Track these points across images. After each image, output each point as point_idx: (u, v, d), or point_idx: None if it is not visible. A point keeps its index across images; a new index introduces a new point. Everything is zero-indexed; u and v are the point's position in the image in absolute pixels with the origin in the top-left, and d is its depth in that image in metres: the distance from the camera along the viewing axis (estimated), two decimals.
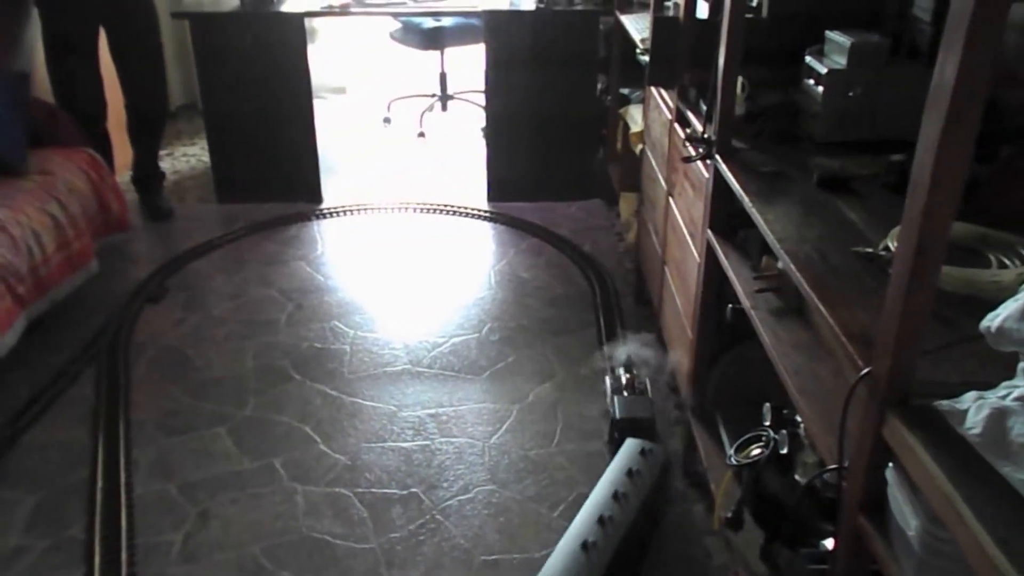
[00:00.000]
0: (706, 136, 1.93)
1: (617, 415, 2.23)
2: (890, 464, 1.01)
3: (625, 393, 2.32)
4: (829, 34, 1.82)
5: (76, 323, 2.88)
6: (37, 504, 2.13)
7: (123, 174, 3.77)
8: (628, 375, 2.37)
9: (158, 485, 2.19)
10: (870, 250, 1.34)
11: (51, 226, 2.78)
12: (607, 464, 2.04)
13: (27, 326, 2.61)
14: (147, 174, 3.76)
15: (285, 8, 3.65)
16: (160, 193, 3.80)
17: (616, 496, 1.90)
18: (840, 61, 1.76)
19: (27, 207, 2.71)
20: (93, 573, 1.90)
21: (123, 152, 3.73)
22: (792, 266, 1.36)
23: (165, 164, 4.09)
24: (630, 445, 2.08)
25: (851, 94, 1.75)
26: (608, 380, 2.41)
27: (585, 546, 1.77)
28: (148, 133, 3.71)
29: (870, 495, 1.04)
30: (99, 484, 2.16)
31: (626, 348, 2.57)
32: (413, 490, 2.17)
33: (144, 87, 3.58)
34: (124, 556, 1.94)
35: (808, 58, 1.87)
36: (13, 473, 2.23)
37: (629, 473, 1.97)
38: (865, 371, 1.03)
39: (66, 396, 2.54)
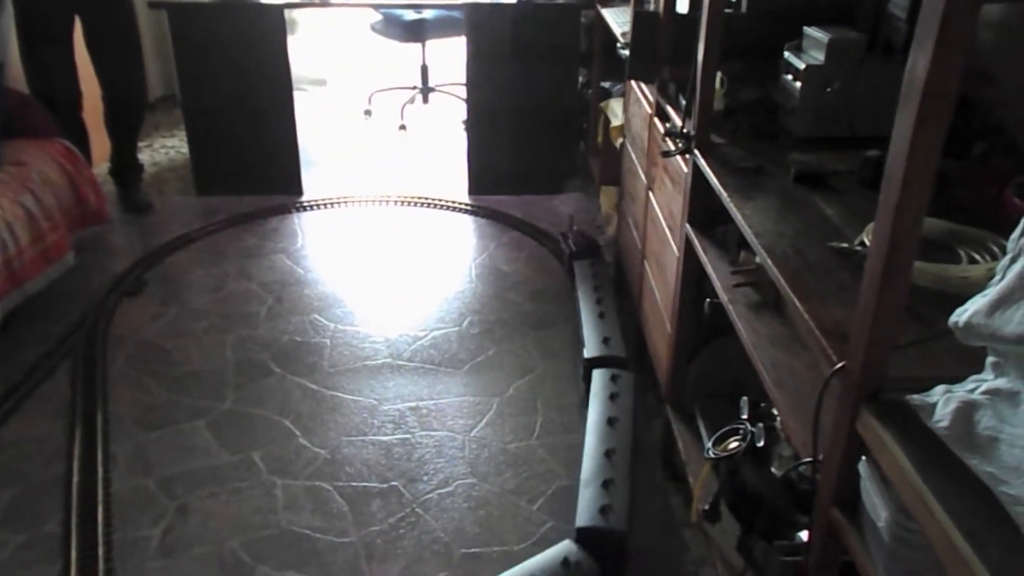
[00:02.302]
0: (685, 131, 1.94)
1: (574, 249, 2.97)
2: (863, 458, 1.03)
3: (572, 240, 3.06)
4: (807, 30, 1.84)
5: (52, 317, 2.85)
6: (12, 500, 2.10)
7: (101, 166, 3.73)
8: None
9: (136, 480, 2.18)
10: (845, 245, 1.36)
11: (24, 218, 2.74)
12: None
13: (1, 320, 2.58)
14: (125, 166, 3.72)
15: None
16: (138, 185, 3.76)
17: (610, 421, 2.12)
18: (818, 56, 1.77)
19: (0, 199, 2.68)
20: (70, 569, 1.89)
21: (101, 144, 3.69)
22: (769, 261, 1.37)
23: (144, 156, 4.05)
24: (600, 375, 2.34)
25: (829, 89, 1.76)
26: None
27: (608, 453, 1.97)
28: (126, 125, 3.67)
29: (843, 488, 1.06)
30: (75, 479, 2.14)
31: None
32: (393, 484, 2.17)
33: (121, 78, 3.53)
34: (101, 551, 1.93)
35: (787, 53, 1.88)
36: None
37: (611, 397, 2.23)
38: (839, 365, 1.05)
39: (41, 391, 2.51)
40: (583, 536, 1.81)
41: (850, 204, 1.55)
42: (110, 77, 3.51)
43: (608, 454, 2.00)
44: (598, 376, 2.34)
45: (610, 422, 2.12)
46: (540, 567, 1.76)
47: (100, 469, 2.19)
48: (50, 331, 2.78)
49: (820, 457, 1.12)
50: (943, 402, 0.89)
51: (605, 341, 2.48)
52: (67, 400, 2.47)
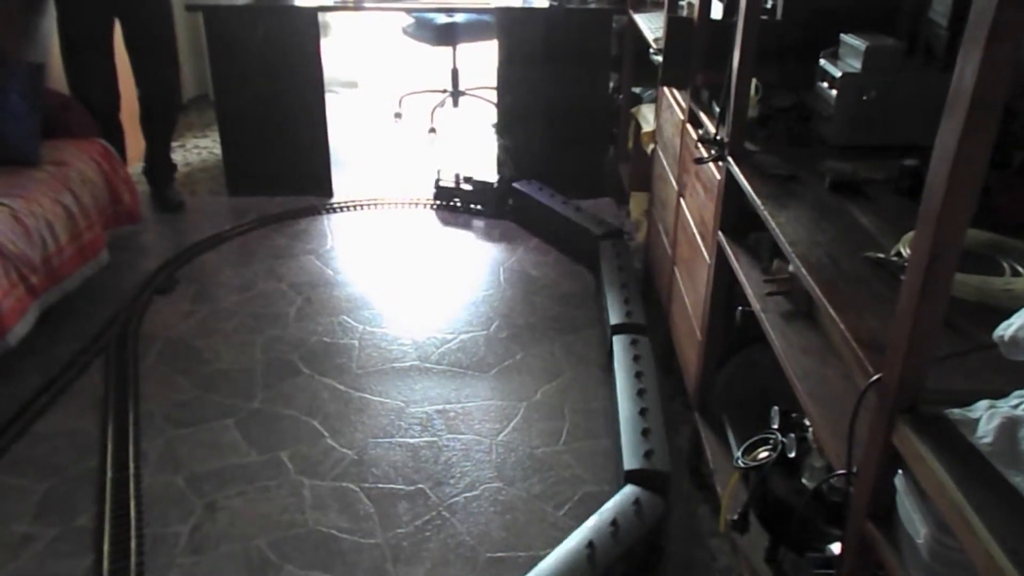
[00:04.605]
0: (718, 138, 1.93)
1: None
2: (899, 471, 1.01)
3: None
4: (844, 37, 1.82)
5: (86, 314, 2.89)
6: (46, 493, 2.14)
7: (135, 165, 3.78)
8: None
9: (166, 476, 2.21)
10: (882, 255, 1.34)
11: (64, 217, 2.79)
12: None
13: (39, 316, 2.62)
14: (159, 166, 3.78)
15: (299, 2, 3.66)
16: (171, 185, 3.81)
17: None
18: (855, 64, 1.75)
19: (41, 198, 2.73)
20: (102, 562, 1.91)
21: (135, 143, 3.75)
22: (803, 270, 1.36)
23: (177, 156, 4.10)
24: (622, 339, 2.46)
25: (865, 98, 1.74)
26: None
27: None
28: (160, 125, 3.73)
29: (878, 501, 1.04)
30: (108, 474, 2.17)
31: None
32: (420, 486, 2.18)
33: (157, 80, 3.59)
34: (133, 546, 1.95)
35: (822, 61, 1.86)
36: (23, 462, 2.24)
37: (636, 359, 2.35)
38: (875, 377, 1.03)
39: (76, 386, 2.55)
40: (631, 478, 1.92)
41: (886, 213, 1.53)
42: (147, 78, 3.57)
43: (642, 412, 2.12)
44: (619, 341, 2.46)
45: (640, 393, 2.21)
46: (615, 511, 1.82)
47: (132, 465, 2.22)
48: (85, 328, 2.82)
49: (854, 469, 1.11)
50: (987, 417, 0.87)
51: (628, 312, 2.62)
52: (100, 396, 2.50)
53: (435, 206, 3.79)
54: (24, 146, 2.88)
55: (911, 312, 0.93)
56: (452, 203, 3.77)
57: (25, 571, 1.91)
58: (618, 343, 2.43)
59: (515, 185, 3.63)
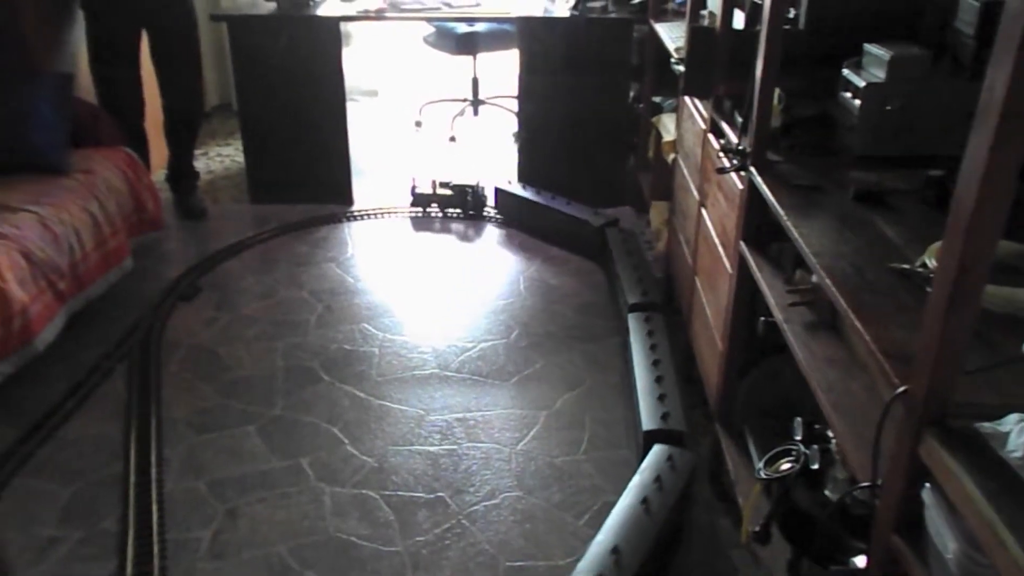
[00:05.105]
0: (741, 147, 1.92)
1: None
2: (927, 484, 1.00)
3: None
4: (867, 46, 1.81)
5: (110, 320, 2.92)
6: (71, 496, 2.16)
7: (157, 173, 3.82)
8: None
9: (188, 482, 2.22)
10: (907, 266, 1.33)
11: (90, 224, 2.83)
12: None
13: (66, 321, 2.65)
14: (182, 174, 3.82)
15: (321, 12, 3.69)
16: (194, 193, 3.85)
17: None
18: (879, 74, 1.74)
19: (69, 205, 2.77)
20: (126, 566, 1.93)
21: (158, 151, 3.79)
22: (827, 280, 1.35)
23: (199, 164, 4.14)
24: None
25: (889, 108, 1.73)
26: None
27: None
28: (184, 133, 3.77)
29: (905, 514, 1.03)
30: (131, 479, 2.19)
31: None
32: (440, 494, 2.18)
33: (182, 89, 3.63)
34: (156, 550, 1.97)
35: (845, 71, 1.85)
36: (49, 465, 2.27)
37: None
38: (902, 389, 1.02)
39: (100, 391, 2.58)
40: (651, 438, 2.09)
41: (911, 224, 1.52)
42: (171, 87, 3.61)
43: (658, 380, 2.30)
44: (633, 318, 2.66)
45: (655, 364, 2.38)
46: (654, 468, 1.97)
47: (154, 470, 2.24)
48: (109, 333, 2.85)
49: (879, 482, 1.10)
50: (1017, 431, 0.86)
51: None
52: (124, 401, 2.53)
53: (419, 214, 3.81)
54: (54, 155, 2.93)
55: (939, 324, 0.92)
56: (428, 209, 3.80)
57: (51, 574, 1.93)
58: (633, 320, 2.62)
59: (497, 186, 3.74)
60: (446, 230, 3.72)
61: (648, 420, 2.15)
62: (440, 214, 3.80)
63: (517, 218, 3.70)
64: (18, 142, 2.89)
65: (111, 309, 2.96)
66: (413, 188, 3.80)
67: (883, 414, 1.06)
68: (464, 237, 3.66)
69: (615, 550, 1.75)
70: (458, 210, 3.78)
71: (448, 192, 3.77)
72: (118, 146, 3.24)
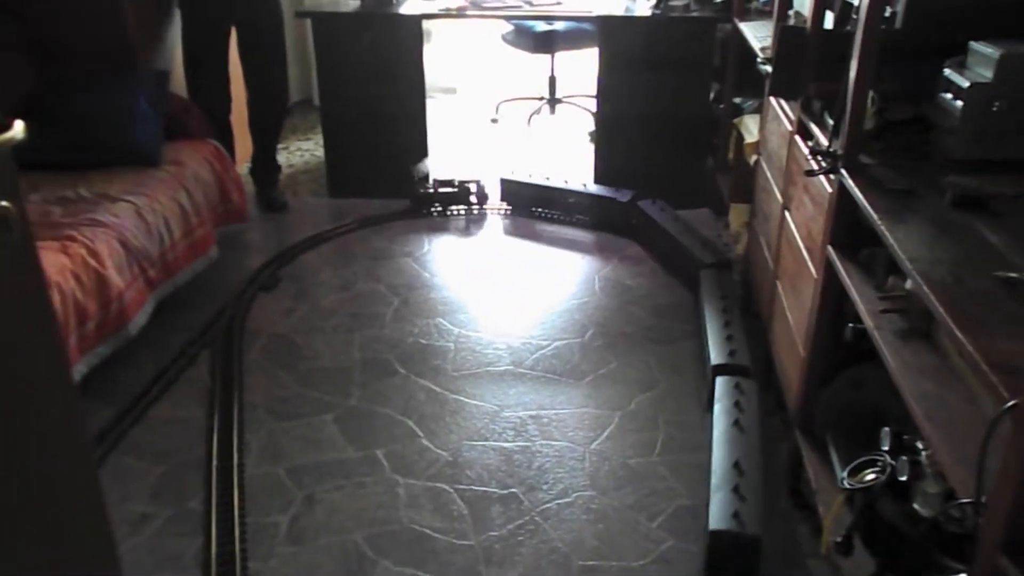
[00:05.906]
0: (832, 150, 1.88)
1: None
2: None
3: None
4: (973, 45, 1.74)
5: (196, 307, 3.02)
6: (161, 475, 2.25)
7: (241, 166, 3.93)
8: None
9: (267, 467, 2.28)
10: (1014, 275, 1.28)
11: (179, 214, 2.93)
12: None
13: (155, 308, 2.75)
14: (265, 167, 3.92)
15: (404, 9, 3.74)
16: (276, 186, 3.95)
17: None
18: (985, 74, 1.67)
19: (160, 196, 2.87)
20: (211, 544, 2.00)
21: (243, 145, 3.90)
22: (925, 288, 1.31)
23: (280, 158, 4.24)
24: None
25: (995, 109, 1.67)
26: None
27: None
28: (268, 128, 3.87)
29: (1013, 535, 0.99)
30: (214, 463, 2.26)
31: None
32: (513, 490, 2.19)
33: (268, 85, 3.73)
34: (237, 533, 2.02)
35: (947, 71, 1.79)
36: (141, 445, 2.36)
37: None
38: (1011, 403, 0.99)
39: (186, 376, 2.67)
40: (719, 371, 2.36)
41: (1017, 231, 1.46)
42: (258, 83, 3.71)
43: (727, 324, 2.57)
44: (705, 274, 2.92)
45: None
46: (729, 396, 2.21)
47: (236, 455, 2.30)
48: (194, 320, 2.94)
49: (983, 499, 1.06)
50: None
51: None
52: (208, 386, 2.61)
53: (423, 213, 3.83)
54: (149, 148, 3.04)
55: None
56: (430, 209, 3.82)
57: (145, 547, 2.01)
58: (704, 276, 2.89)
59: (503, 177, 3.84)
60: (522, 229, 3.72)
61: (717, 355, 2.42)
62: (444, 213, 3.84)
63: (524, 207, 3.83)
64: (120, 137, 3.02)
65: (196, 297, 3.06)
66: (413, 188, 3.82)
67: (990, 428, 1.02)
68: (540, 236, 3.66)
69: (736, 464, 1.95)
70: (461, 208, 3.83)
71: (451, 190, 3.80)
72: (206, 139, 3.34)
